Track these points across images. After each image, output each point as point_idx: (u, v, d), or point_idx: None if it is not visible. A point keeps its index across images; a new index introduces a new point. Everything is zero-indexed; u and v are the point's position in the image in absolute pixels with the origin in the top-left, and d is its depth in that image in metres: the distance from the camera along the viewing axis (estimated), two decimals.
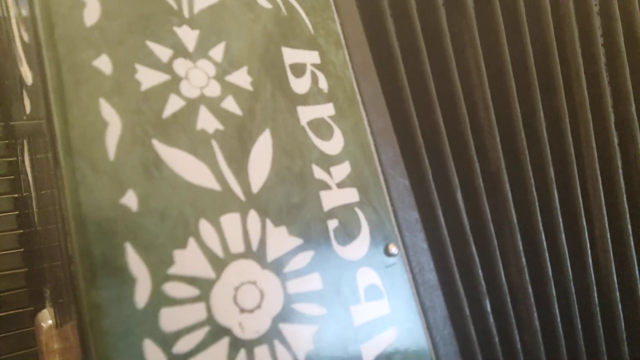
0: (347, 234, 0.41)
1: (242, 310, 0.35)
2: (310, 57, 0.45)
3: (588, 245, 0.56)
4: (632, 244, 0.58)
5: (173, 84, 0.37)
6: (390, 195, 0.45)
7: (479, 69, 0.53)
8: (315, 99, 0.44)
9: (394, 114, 0.49)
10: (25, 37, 0.43)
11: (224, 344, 0.34)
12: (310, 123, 0.43)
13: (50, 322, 0.49)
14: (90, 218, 0.32)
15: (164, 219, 0.34)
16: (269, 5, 0.44)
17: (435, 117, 0.50)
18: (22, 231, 0.63)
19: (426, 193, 0.49)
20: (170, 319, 0.32)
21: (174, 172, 0.35)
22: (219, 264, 0.35)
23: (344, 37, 0.48)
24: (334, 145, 0.44)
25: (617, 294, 0.57)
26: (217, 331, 0.34)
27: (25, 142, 0.55)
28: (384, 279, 0.42)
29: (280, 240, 0.38)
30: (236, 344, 0.34)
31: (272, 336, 0.36)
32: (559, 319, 0.54)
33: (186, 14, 0.40)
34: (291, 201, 0.39)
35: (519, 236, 0.52)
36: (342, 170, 0.43)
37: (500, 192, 0.52)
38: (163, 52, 0.38)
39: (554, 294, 0.54)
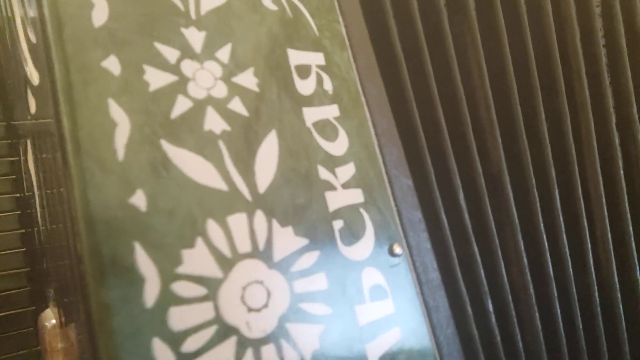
0: (352, 234, 0.42)
1: (250, 310, 0.35)
2: (315, 59, 0.45)
3: (589, 245, 0.57)
4: (634, 244, 0.59)
5: (181, 85, 0.37)
6: (394, 195, 0.46)
7: (480, 69, 0.53)
8: (321, 100, 0.44)
9: (397, 114, 0.49)
10: (32, 37, 0.43)
11: (231, 342, 0.34)
12: (315, 124, 0.43)
13: (54, 321, 0.49)
14: (99, 218, 0.32)
15: (172, 219, 0.34)
16: (274, 7, 0.44)
17: (437, 118, 0.51)
18: (24, 231, 0.63)
19: (429, 193, 0.49)
20: (178, 318, 0.33)
21: (182, 172, 0.36)
22: (227, 263, 0.35)
23: (348, 39, 0.48)
24: (339, 146, 0.44)
25: (619, 293, 0.57)
26: (225, 330, 0.34)
27: (28, 141, 0.55)
28: (388, 279, 0.42)
29: (286, 240, 0.38)
30: (243, 343, 0.34)
31: (278, 335, 0.36)
32: (560, 319, 0.54)
33: (193, 15, 0.40)
34: (297, 202, 0.40)
35: (520, 236, 0.53)
36: (347, 171, 0.43)
37: (502, 192, 0.53)
38: (171, 53, 0.38)
39: (555, 294, 0.54)
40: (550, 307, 0.54)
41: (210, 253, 0.35)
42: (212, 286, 0.34)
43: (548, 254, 0.54)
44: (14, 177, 0.64)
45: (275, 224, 0.38)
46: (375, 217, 0.43)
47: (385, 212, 0.44)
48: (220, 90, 0.39)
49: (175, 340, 0.32)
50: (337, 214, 0.41)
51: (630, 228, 0.59)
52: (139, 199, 0.34)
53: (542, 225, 0.54)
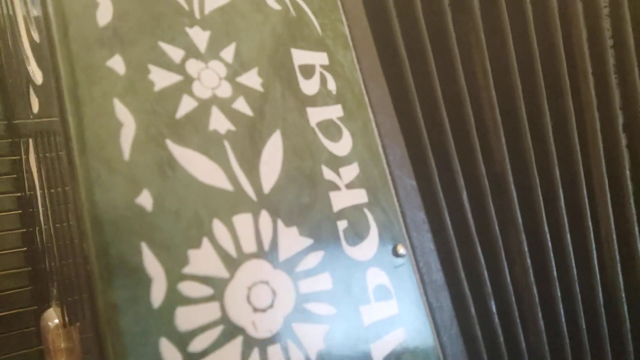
0: (357, 234, 0.42)
1: (255, 310, 0.35)
2: (319, 59, 0.45)
3: (594, 246, 0.57)
4: (639, 245, 0.59)
5: (186, 85, 0.37)
6: (398, 196, 0.46)
7: (484, 69, 0.53)
8: (324, 100, 0.44)
9: (400, 114, 0.49)
10: (36, 36, 0.43)
11: (237, 342, 0.34)
12: (319, 124, 0.43)
13: (56, 321, 0.49)
14: (106, 217, 0.32)
15: (179, 219, 0.34)
16: (277, 7, 0.44)
17: (441, 118, 0.51)
18: (25, 230, 0.63)
19: (432, 194, 0.49)
20: (185, 318, 0.33)
21: (188, 172, 0.36)
22: (233, 263, 0.35)
23: (351, 39, 0.48)
24: (343, 146, 0.44)
25: (623, 294, 0.57)
26: (231, 330, 0.34)
27: (30, 140, 0.55)
28: (392, 279, 0.42)
29: (291, 240, 0.38)
30: (250, 343, 0.34)
31: (284, 335, 0.36)
32: (563, 319, 0.54)
33: (197, 14, 0.40)
34: (302, 202, 0.40)
35: (524, 236, 0.53)
36: (351, 171, 0.43)
37: (506, 192, 0.53)
38: (175, 53, 0.38)
39: (559, 294, 0.54)
40: (553, 308, 0.54)
41: (216, 253, 0.35)
42: (218, 286, 0.34)
43: (552, 254, 0.54)
44: (15, 176, 0.64)
45: (280, 224, 0.38)
46: (379, 217, 0.43)
47: (389, 213, 0.44)
48: (225, 90, 0.39)
49: (182, 340, 0.32)
50: (342, 214, 0.41)
51: (636, 229, 0.59)
52: (145, 199, 0.34)
53: (546, 225, 0.54)
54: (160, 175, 0.34)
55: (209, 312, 0.33)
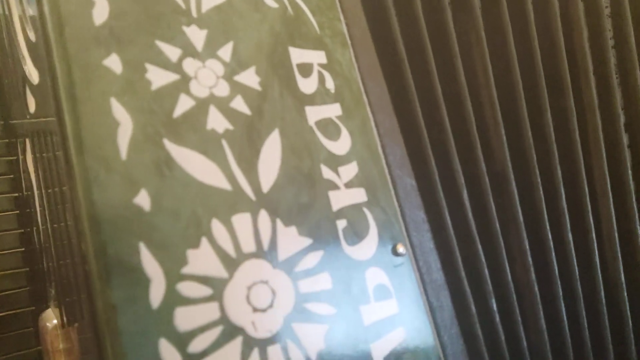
0: (356, 233, 0.42)
1: (255, 310, 0.35)
2: (317, 57, 0.45)
3: (595, 244, 0.57)
4: None
5: (183, 84, 0.37)
6: (398, 195, 0.46)
7: (485, 68, 0.53)
8: (323, 99, 0.44)
9: (400, 113, 0.49)
10: (32, 36, 0.42)
11: (237, 343, 0.34)
12: (318, 123, 0.43)
13: (55, 321, 0.48)
14: (104, 217, 0.32)
15: (177, 219, 0.34)
16: (275, 5, 0.44)
17: (441, 117, 0.51)
18: (22, 230, 0.62)
19: (433, 193, 0.49)
20: (184, 319, 0.32)
21: (186, 172, 0.35)
22: (232, 263, 0.35)
23: (349, 37, 0.48)
24: (342, 145, 0.44)
25: (625, 293, 0.57)
26: (231, 330, 0.34)
27: (27, 140, 0.55)
28: (392, 279, 0.42)
29: (290, 240, 0.38)
30: (249, 343, 0.34)
31: (284, 335, 0.36)
32: (565, 318, 0.54)
33: (194, 13, 0.40)
34: (301, 201, 0.39)
35: (525, 234, 0.53)
36: (349, 171, 0.43)
37: (507, 190, 0.53)
38: (172, 52, 0.38)
39: (561, 293, 0.54)
40: (555, 306, 0.54)
41: (215, 253, 0.35)
42: (217, 286, 0.34)
43: (553, 253, 0.54)
44: (12, 176, 0.63)
45: (279, 223, 0.38)
46: (378, 216, 0.43)
47: (389, 212, 0.44)
48: (223, 89, 0.39)
49: (181, 340, 0.32)
50: (341, 213, 0.41)
51: (638, 228, 0.59)
52: (143, 199, 0.33)
53: (547, 223, 0.54)
54: (158, 174, 0.34)
55: (208, 312, 0.33)
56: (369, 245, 0.42)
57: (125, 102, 0.35)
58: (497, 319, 0.50)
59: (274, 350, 0.35)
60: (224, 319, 0.34)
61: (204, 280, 0.34)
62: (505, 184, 0.53)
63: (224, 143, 0.37)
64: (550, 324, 0.53)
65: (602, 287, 0.56)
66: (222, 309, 0.34)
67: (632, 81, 0.60)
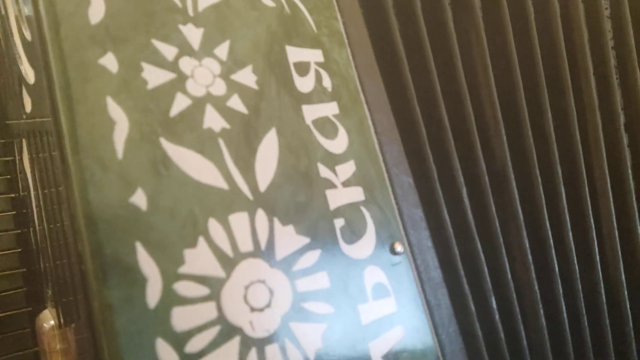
0: (354, 232, 0.41)
1: (253, 309, 0.35)
2: (314, 56, 0.45)
3: (595, 243, 0.57)
4: None
5: (179, 83, 0.37)
6: (395, 193, 0.45)
7: (485, 67, 0.53)
8: (320, 97, 0.44)
9: (398, 112, 0.49)
10: (28, 35, 0.42)
11: (235, 342, 0.34)
12: (315, 122, 0.43)
13: (52, 322, 0.48)
14: (100, 217, 0.32)
15: (174, 218, 0.34)
16: (272, 4, 0.44)
17: (440, 115, 0.51)
18: (19, 231, 0.62)
19: (431, 191, 0.49)
20: (181, 318, 0.32)
21: (182, 171, 0.35)
22: (229, 263, 0.35)
23: (346, 36, 0.48)
24: (339, 144, 0.44)
25: (625, 291, 0.57)
26: (228, 330, 0.34)
27: (24, 141, 0.55)
28: (390, 277, 0.42)
29: (288, 239, 0.38)
30: (247, 342, 0.34)
31: (282, 335, 0.36)
32: (565, 317, 0.54)
33: (190, 12, 0.40)
34: (298, 200, 0.39)
35: (525, 233, 0.53)
36: (347, 169, 0.43)
37: (507, 189, 0.53)
38: (169, 51, 0.38)
39: (561, 291, 0.54)
40: (555, 305, 0.54)
41: (212, 252, 0.34)
42: (214, 286, 0.34)
43: (554, 251, 0.54)
44: (8, 177, 0.63)
45: (276, 222, 0.38)
46: (376, 215, 0.43)
47: (386, 210, 0.44)
48: (219, 88, 0.39)
49: (178, 340, 0.32)
50: (338, 212, 0.41)
51: (638, 227, 0.59)
52: (140, 198, 0.33)
53: (547, 222, 0.54)
54: (154, 173, 0.34)
55: (206, 312, 0.33)
56: (367, 244, 0.42)
57: (121, 101, 0.35)
58: (497, 317, 0.50)
59: (271, 350, 0.35)
60: (221, 319, 0.34)
61: (201, 279, 0.34)
62: (505, 183, 0.53)
63: (221, 142, 0.37)
64: (550, 323, 0.53)
65: (602, 286, 0.57)
66: (219, 308, 0.34)
67: (632, 81, 0.61)
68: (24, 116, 0.50)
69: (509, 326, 0.51)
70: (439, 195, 0.49)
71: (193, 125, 0.37)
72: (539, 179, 0.54)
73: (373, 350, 0.39)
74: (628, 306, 0.58)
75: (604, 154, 0.59)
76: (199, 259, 0.34)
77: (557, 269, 0.54)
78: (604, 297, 0.56)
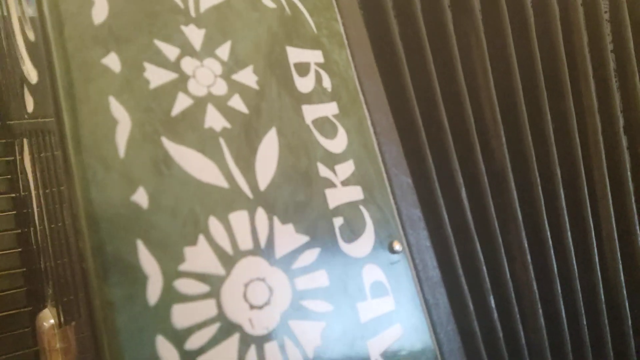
0: (352, 231, 0.42)
1: (252, 307, 0.35)
2: (314, 57, 0.45)
3: (595, 245, 0.57)
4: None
5: (181, 83, 0.37)
6: (394, 193, 0.46)
7: (485, 69, 0.54)
8: (320, 97, 0.44)
9: (397, 112, 0.49)
10: (31, 35, 0.42)
11: (234, 340, 0.34)
12: (314, 122, 0.43)
13: (52, 321, 0.48)
14: (101, 215, 0.32)
15: (175, 216, 0.34)
16: (273, 5, 0.44)
17: (439, 117, 0.51)
18: (20, 231, 0.62)
19: (430, 191, 0.49)
20: (181, 316, 0.32)
21: (183, 170, 0.35)
22: (229, 260, 0.35)
23: (346, 37, 0.48)
24: (338, 143, 0.44)
25: (624, 292, 0.58)
26: (228, 327, 0.34)
27: (25, 141, 0.55)
28: (389, 276, 0.42)
29: (287, 237, 0.38)
30: (246, 340, 0.34)
31: (281, 332, 0.36)
32: (564, 316, 0.54)
33: (192, 12, 0.40)
34: (297, 199, 0.40)
35: (524, 233, 0.53)
36: (346, 169, 0.43)
37: (506, 189, 0.53)
38: (171, 51, 0.38)
39: (560, 291, 0.54)
40: (554, 305, 0.54)
41: (212, 250, 0.35)
42: (214, 283, 0.34)
43: (552, 252, 0.54)
44: (9, 177, 0.63)
45: (276, 221, 0.38)
46: (375, 214, 0.44)
47: (385, 210, 0.44)
48: (220, 88, 0.39)
49: (178, 337, 0.32)
50: (337, 211, 0.41)
51: (637, 229, 0.59)
52: (141, 197, 0.34)
53: (546, 223, 0.55)
54: (155, 172, 0.34)
55: (206, 309, 0.33)
56: (366, 243, 0.42)
57: (123, 100, 0.35)
58: (496, 316, 0.50)
59: (271, 347, 0.35)
60: (221, 316, 0.34)
61: (201, 277, 0.34)
62: (504, 184, 0.53)
63: (222, 141, 0.38)
64: (549, 323, 0.53)
65: (601, 287, 0.57)
66: (219, 306, 0.34)
67: (631, 84, 0.61)
68: (26, 116, 0.50)
69: (507, 326, 0.51)
70: (437, 195, 0.49)
71: (194, 125, 0.37)
72: (538, 180, 0.55)
73: (372, 348, 0.40)
74: (627, 306, 0.58)
75: (604, 157, 0.59)
76: (199, 257, 0.34)
77: (556, 269, 0.54)
78: (602, 297, 0.57)
